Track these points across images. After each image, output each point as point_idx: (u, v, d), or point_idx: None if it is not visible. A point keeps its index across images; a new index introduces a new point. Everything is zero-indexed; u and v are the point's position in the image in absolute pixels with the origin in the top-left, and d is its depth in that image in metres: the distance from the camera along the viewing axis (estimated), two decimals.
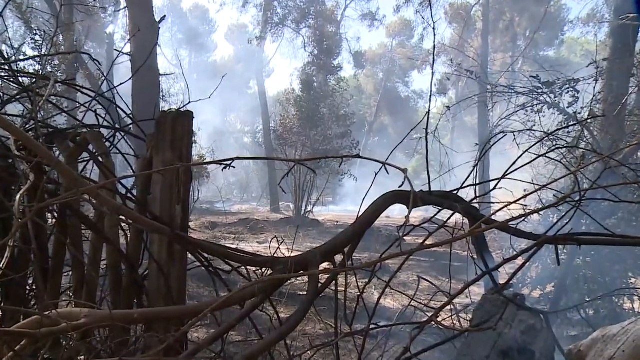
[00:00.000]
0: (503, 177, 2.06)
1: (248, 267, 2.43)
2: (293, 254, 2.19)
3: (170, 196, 2.25)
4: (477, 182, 2.58)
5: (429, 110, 2.41)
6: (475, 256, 2.69)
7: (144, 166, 2.37)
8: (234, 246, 2.29)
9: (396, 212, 22.02)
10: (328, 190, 26.98)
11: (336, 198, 41.80)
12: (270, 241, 2.57)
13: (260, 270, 2.33)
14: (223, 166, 1.46)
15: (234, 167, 1.45)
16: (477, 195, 2.42)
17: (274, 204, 26.28)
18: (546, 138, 4.14)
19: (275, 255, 2.26)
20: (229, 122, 44.09)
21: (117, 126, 2.67)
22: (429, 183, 2.32)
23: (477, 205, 2.55)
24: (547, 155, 2.68)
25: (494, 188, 2.26)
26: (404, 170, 1.34)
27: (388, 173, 1.58)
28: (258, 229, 16.29)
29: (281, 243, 2.68)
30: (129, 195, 2.37)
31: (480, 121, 21.22)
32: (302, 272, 2.08)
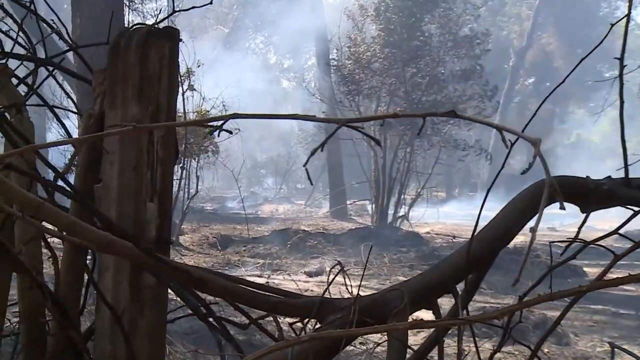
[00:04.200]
0: None
1: (279, 317, 2.42)
2: (362, 293, 2.16)
3: (137, 185, 2.27)
4: None
5: (628, 22, 2.29)
6: None
7: (88, 129, 2.39)
8: (262, 281, 2.26)
9: (557, 223, 21.35)
10: (438, 177, 26.76)
11: (452, 192, 41.55)
12: (330, 272, 2.55)
13: (299, 323, 2.32)
14: (214, 131, 1.41)
15: (238, 132, 1.40)
16: None
17: (337, 204, 26.49)
18: None
19: (336, 297, 2.23)
20: (255, 52, 44.74)
21: (40, 56, 2.69)
22: (626, 165, 2.22)
23: None
24: None
25: None
26: (536, 142, 1.27)
27: None
28: (308, 249, 16.48)
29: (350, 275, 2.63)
30: (60, 183, 2.40)
31: None
32: (377, 325, 2.04)
